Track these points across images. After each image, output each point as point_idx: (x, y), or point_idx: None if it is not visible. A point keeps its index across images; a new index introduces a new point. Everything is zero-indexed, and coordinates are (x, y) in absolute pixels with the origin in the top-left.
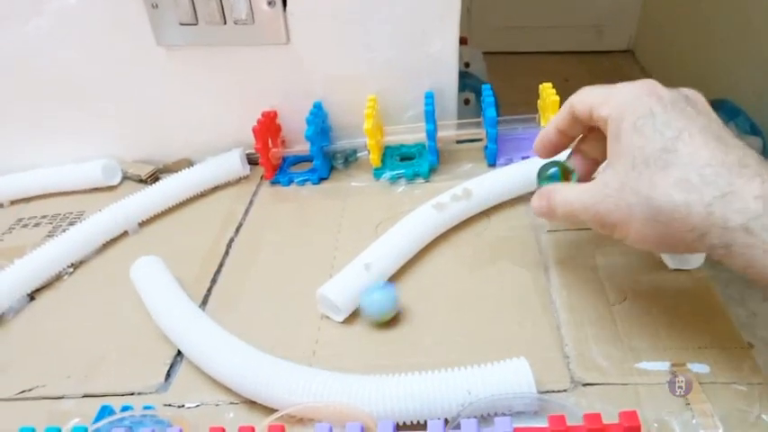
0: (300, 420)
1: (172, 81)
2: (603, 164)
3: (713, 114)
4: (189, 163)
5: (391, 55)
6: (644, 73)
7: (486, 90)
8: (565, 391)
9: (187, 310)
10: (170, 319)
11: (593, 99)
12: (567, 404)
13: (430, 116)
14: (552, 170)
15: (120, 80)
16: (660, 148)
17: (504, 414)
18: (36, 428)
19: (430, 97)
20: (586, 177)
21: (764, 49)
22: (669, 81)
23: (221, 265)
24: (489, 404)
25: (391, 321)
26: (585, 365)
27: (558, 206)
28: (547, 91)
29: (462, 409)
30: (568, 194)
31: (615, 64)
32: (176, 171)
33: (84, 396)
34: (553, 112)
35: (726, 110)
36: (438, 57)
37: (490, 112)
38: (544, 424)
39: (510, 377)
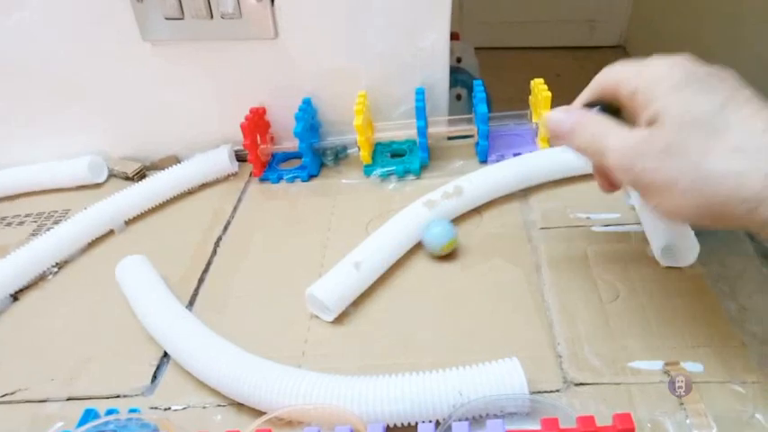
0: (289, 423)
1: (158, 76)
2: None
3: (749, 90)
4: (176, 160)
5: (382, 50)
6: None
7: (478, 86)
8: (557, 391)
9: (173, 310)
10: (156, 319)
11: (622, 74)
12: (560, 405)
13: (421, 112)
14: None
15: (106, 75)
16: (709, 111)
17: (495, 415)
18: None
19: (421, 93)
20: None
21: (756, 45)
22: None
23: (209, 263)
24: (481, 405)
25: (381, 321)
26: (578, 365)
27: (587, 135)
28: (538, 87)
29: (454, 410)
30: (607, 133)
31: (606, 59)
32: (163, 168)
33: (68, 399)
34: (545, 108)
35: None
36: (429, 52)
37: (481, 108)
38: (537, 425)
39: (502, 378)
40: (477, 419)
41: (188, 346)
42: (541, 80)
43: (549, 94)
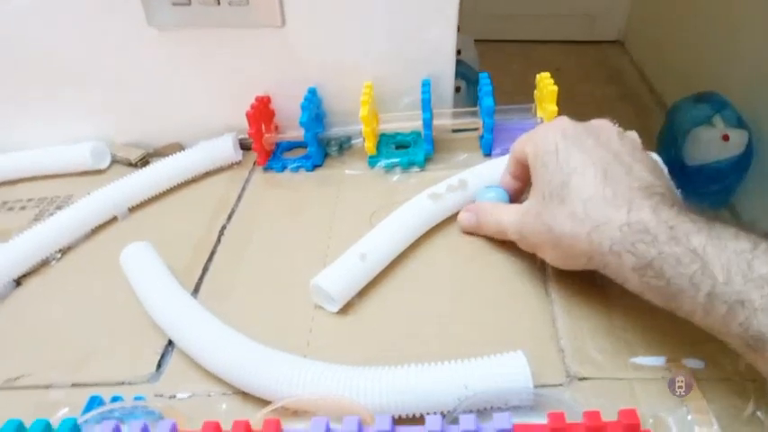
0: (295, 413)
1: (163, 63)
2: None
3: (615, 144)
4: (179, 147)
5: (388, 41)
6: (632, 64)
7: (484, 79)
8: (560, 385)
9: (179, 298)
10: (161, 307)
11: (521, 141)
12: (564, 399)
13: (427, 104)
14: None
15: (110, 61)
16: (560, 182)
17: (500, 408)
18: (23, 420)
19: (427, 85)
20: (515, 197)
21: (754, 42)
22: (658, 72)
23: (213, 252)
24: (486, 398)
25: (385, 312)
26: (581, 359)
27: (490, 223)
28: (544, 81)
29: (459, 403)
30: (501, 215)
31: (604, 54)
32: (166, 155)
33: (72, 386)
34: (551, 102)
35: (713, 102)
36: (436, 44)
37: (487, 101)
38: (541, 419)
39: (507, 371)
40: (481, 412)
41: (194, 334)
42: (547, 74)
43: (556, 88)
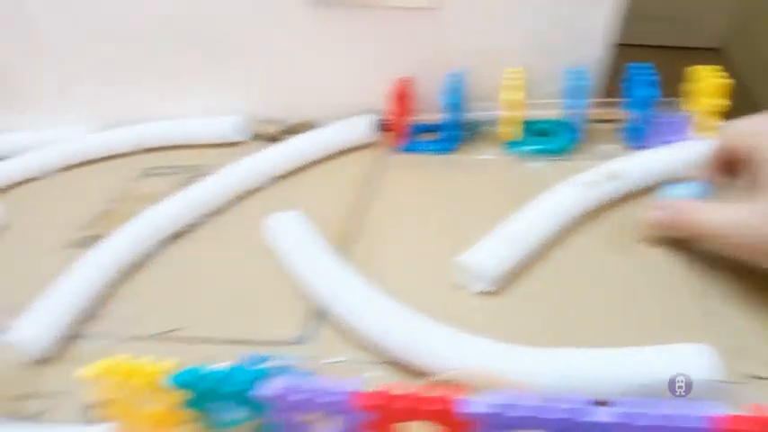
0: (453, 386)
1: (312, 41)
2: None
3: None
4: (311, 125)
5: (540, 26)
6: (731, 72)
7: (641, 69)
8: (724, 381)
9: (340, 265)
10: (322, 273)
11: (740, 133)
12: (747, 395)
13: (579, 91)
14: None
15: (260, 37)
16: None
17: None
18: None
19: (580, 72)
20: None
21: None
22: (759, 82)
23: (348, 231)
24: (659, 387)
25: (532, 295)
26: (751, 358)
27: (691, 223)
28: (705, 72)
29: (636, 389)
30: (710, 215)
31: (699, 61)
32: (300, 132)
33: (224, 342)
34: (716, 96)
35: None
36: (589, 30)
37: (644, 91)
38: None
39: (690, 362)
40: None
41: (358, 301)
42: (710, 66)
43: (725, 81)
